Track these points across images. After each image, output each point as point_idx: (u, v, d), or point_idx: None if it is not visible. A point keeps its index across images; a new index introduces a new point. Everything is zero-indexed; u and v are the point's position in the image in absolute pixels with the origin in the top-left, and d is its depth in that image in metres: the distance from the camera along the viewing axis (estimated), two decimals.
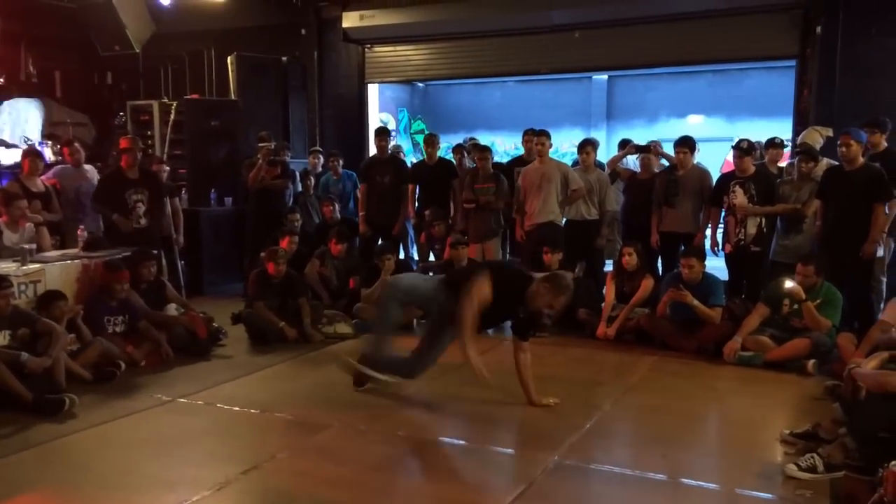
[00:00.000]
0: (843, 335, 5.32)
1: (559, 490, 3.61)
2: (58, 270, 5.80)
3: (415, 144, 16.66)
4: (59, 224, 7.00)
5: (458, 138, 11.35)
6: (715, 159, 12.27)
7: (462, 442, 4.19)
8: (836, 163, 6.26)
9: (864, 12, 7.74)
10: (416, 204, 8.26)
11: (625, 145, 8.28)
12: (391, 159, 8.26)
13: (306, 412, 4.65)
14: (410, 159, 12.07)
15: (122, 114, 10.57)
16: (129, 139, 7.04)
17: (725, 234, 6.70)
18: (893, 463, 2.90)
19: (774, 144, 7.22)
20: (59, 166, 7.86)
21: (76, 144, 7.75)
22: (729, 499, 3.56)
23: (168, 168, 8.53)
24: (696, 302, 5.93)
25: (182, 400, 4.91)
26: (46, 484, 3.64)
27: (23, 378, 4.64)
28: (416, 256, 8.66)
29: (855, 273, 5.95)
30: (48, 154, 8.67)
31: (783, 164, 7.34)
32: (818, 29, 8.07)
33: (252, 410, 4.71)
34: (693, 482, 3.68)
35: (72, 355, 5.22)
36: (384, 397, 4.96)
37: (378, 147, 8.12)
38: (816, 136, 6.95)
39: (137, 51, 10.11)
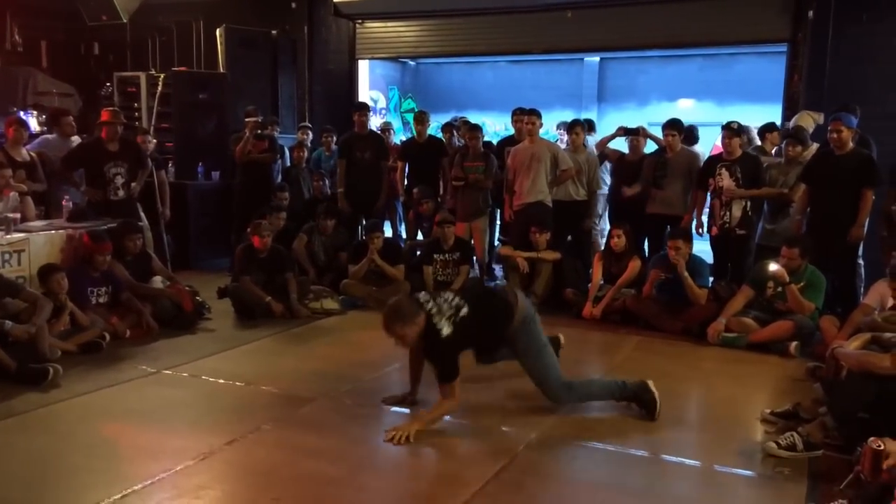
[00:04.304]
0: (826, 318, 5.38)
1: (541, 463, 3.64)
2: (42, 240, 5.76)
3: (405, 123, 16.57)
4: (43, 194, 6.92)
5: (448, 118, 11.29)
6: (704, 143, 12.32)
7: (446, 417, 4.20)
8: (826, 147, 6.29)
9: None
10: (405, 181, 8.23)
11: (573, 126, 7.89)
12: (371, 135, 8.18)
13: (291, 385, 4.66)
14: (400, 137, 12.00)
15: (108, 85, 10.44)
16: (111, 111, 6.94)
17: (711, 216, 6.73)
18: (871, 439, 2.94)
19: (773, 129, 7.26)
20: (45, 136, 7.77)
21: (70, 118, 7.65)
22: (708, 475, 3.60)
23: (154, 141, 8.46)
24: (686, 274, 5.96)
25: (167, 372, 4.91)
26: (30, 452, 3.64)
27: (6, 347, 4.62)
28: (404, 234, 8.66)
29: (841, 257, 5.99)
30: (33, 124, 8.55)
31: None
32: (810, 14, 8.07)
33: (237, 383, 4.71)
34: (674, 458, 3.72)
35: (64, 336, 5.21)
36: (370, 372, 4.98)
37: (357, 122, 7.97)
38: (809, 121, 6.97)
39: (125, 21, 9.97)
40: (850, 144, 5.95)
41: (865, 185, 5.85)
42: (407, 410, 4.30)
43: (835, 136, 5.90)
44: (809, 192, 6.15)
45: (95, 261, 5.71)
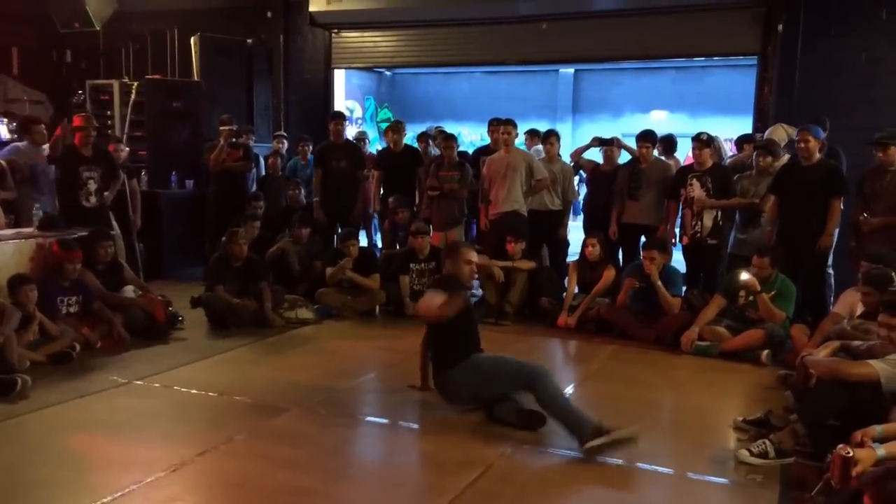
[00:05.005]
0: (797, 326, 5.43)
1: (517, 472, 3.64)
2: (11, 249, 5.67)
3: (381, 133, 16.57)
4: (13, 202, 6.84)
5: (424, 128, 11.33)
6: (679, 154, 12.48)
7: (418, 426, 4.20)
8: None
9: (824, 12, 7.90)
10: (381, 191, 8.22)
11: (548, 136, 7.76)
12: (347, 144, 8.17)
13: (265, 396, 4.61)
14: (376, 147, 12.00)
15: (80, 92, 10.33)
16: (83, 116, 6.89)
17: (682, 226, 6.80)
18: (840, 446, 2.98)
19: (750, 139, 7.38)
20: (15, 144, 7.66)
21: (42, 126, 7.55)
22: (682, 483, 3.62)
23: (127, 149, 8.36)
24: (659, 282, 6.02)
25: (138, 382, 4.84)
26: None
27: None
28: (379, 244, 8.64)
29: (810, 266, 6.07)
30: (3, 131, 8.43)
31: None
32: (779, 27, 8.22)
33: (210, 393, 4.66)
34: (648, 466, 3.74)
35: (33, 346, 5.12)
36: (345, 381, 4.95)
37: (333, 132, 7.94)
38: (782, 133, 7.08)
39: (98, 28, 9.88)
40: (818, 155, 6.04)
41: (832, 195, 5.95)
42: (386, 420, 4.30)
43: (802, 146, 5.99)
44: (778, 202, 6.23)
45: (65, 269, 5.62)
